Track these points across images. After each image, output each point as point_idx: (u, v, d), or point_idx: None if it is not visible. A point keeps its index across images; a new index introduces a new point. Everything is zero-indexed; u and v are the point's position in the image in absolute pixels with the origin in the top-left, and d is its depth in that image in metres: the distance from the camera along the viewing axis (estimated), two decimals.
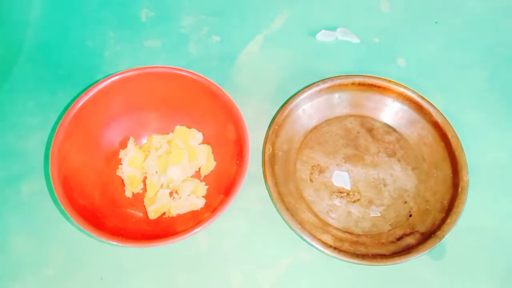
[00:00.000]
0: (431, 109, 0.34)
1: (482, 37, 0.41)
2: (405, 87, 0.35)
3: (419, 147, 0.34)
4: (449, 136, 0.33)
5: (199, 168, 0.34)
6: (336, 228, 0.32)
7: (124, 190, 0.33)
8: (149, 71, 0.31)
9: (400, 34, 0.41)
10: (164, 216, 0.32)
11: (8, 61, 0.39)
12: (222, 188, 0.31)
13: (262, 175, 0.33)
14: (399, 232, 0.32)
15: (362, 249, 0.30)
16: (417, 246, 0.30)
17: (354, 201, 0.33)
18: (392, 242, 0.31)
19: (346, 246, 0.30)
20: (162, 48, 0.40)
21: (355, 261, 0.29)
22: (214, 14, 0.42)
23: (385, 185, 0.33)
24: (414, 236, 0.31)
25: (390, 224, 0.32)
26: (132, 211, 0.32)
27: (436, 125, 0.34)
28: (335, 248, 0.30)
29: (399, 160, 0.34)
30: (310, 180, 0.34)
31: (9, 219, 0.33)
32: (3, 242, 0.32)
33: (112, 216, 0.30)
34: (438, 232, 0.30)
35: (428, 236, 0.30)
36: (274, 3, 0.42)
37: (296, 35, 0.40)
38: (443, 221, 0.31)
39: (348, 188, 0.33)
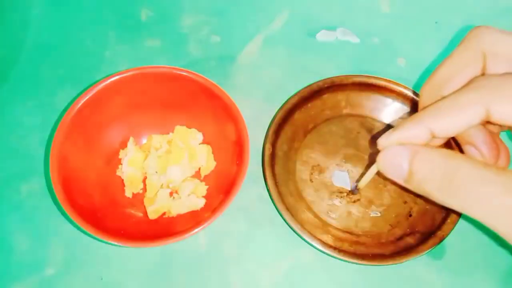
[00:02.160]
0: None
1: None
2: (405, 87, 0.35)
3: None
4: None
5: (199, 168, 0.34)
6: (336, 228, 0.32)
7: (124, 190, 0.33)
8: (149, 71, 0.31)
9: (400, 34, 0.41)
10: (164, 216, 0.32)
11: (8, 61, 0.39)
12: (222, 188, 0.31)
13: (262, 175, 0.33)
14: (399, 232, 0.32)
15: (362, 249, 0.30)
16: (417, 246, 0.30)
17: (354, 201, 0.33)
18: (392, 242, 0.31)
19: (346, 246, 0.30)
20: (162, 48, 0.40)
21: (355, 261, 0.29)
22: (214, 14, 0.42)
23: (385, 185, 0.33)
24: (414, 236, 0.31)
25: (390, 224, 0.32)
26: (132, 211, 0.32)
27: None
28: (335, 248, 0.30)
29: None
30: (310, 180, 0.34)
31: (9, 219, 0.33)
32: (3, 242, 0.32)
33: (112, 216, 0.30)
34: (438, 232, 0.30)
35: (428, 236, 0.30)
36: (274, 3, 0.42)
37: (296, 35, 0.40)
38: (443, 221, 0.31)
39: (348, 188, 0.33)
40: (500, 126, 0.27)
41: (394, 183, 0.26)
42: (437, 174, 0.22)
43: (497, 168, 0.20)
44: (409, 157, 0.23)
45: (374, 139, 0.34)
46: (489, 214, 0.20)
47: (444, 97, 0.23)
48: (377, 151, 0.24)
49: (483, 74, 0.25)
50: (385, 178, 0.25)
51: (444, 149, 0.22)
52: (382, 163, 0.24)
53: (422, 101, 0.27)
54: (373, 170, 0.27)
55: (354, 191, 0.33)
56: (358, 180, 0.33)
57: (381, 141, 0.24)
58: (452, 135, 0.23)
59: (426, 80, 0.26)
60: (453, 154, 0.22)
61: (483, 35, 0.24)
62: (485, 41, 0.24)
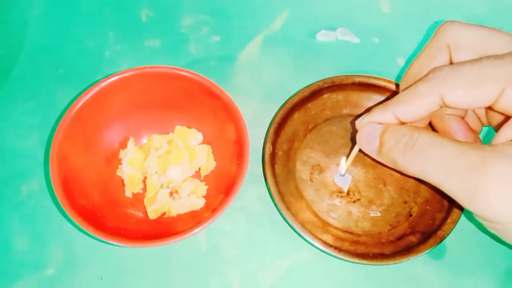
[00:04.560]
0: None
1: None
2: None
3: None
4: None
5: (199, 168, 0.34)
6: (337, 228, 0.32)
7: (124, 190, 0.33)
8: (149, 71, 0.31)
9: (400, 34, 0.41)
10: (164, 216, 0.32)
11: (8, 61, 0.39)
12: (222, 188, 0.31)
13: (262, 175, 0.33)
14: (399, 232, 0.32)
15: (362, 249, 0.30)
16: (417, 246, 0.30)
17: (354, 201, 0.33)
18: (392, 242, 0.31)
19: (346, 245, 0.30)
20: (162, 48, 0.40)
21: (356, 260, 0.29)
22: (214, 14, 0.42)
23: (385, 185, 0.33)
24: (414, 236, 0.31)
25: (390, 224, 0.32)
26: (132, 211, 0.32)
27: None
28: (335, 248, 0.30)
29: None
30: (310, 180, 0.34)
31: (9, 219, 0.33)
32: (3, 242, 0.32)
33: (112, 216, 0.30)
34: (439, 232, 0.30)
35: (428, 236, 0.30)
36: (274, 3, 0.42)
37: (296, 35, 0.41)
38: (443, 221, 0.31)
39: (345, 190, 0.33)
40: (482, 122, 0.29)
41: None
42: (401, 142, 0.25)
43: (454, 139, 0.23)
44: (381, 131, 0.26)
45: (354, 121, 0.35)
46: (442, 175, 0.22)
47: (406, 87, 0.26)
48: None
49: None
50: (365, 154, 0.28)
51: (410, 125, 0.26)
52: (359, 138, 0.28)
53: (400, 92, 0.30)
54: (356, 149, 0.30)
55: (342, 174, 0.33)
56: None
57: (357, 122, 0.28)
58: (416, 120, 0.26)
59: (404, 73, 0.29)
60: (416, 127, 0.25)
61: (447, 28, 0.27)
62: (448, 34, 0.26)
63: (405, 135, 0.25)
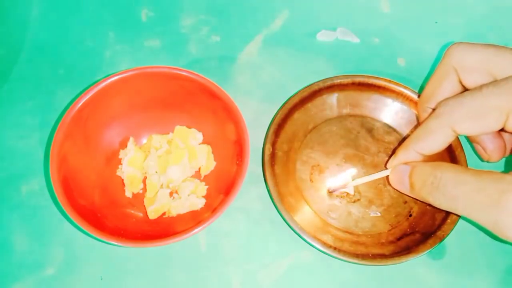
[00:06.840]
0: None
1: (482, 37, 0.41)
2: (405, 87, 0.35)
3: None
4: None
5: (199, 168, 0.34)
6: (336, 228, 0.32)
7: (124, 190, 0.33)
8: (149, 71, 0.31)
9: (400, 34, 0.41)
10: (164, 216, 0.32)
11: (8, 61, 0.39)
12: (222, 188, 0.31)
13: (262, 175, 0.33)
14: (399, 232, 0.32)
15: (362, 249, 0.30)
16: (417, 246, 0.30)
17: (354, 201, 0.33)
18: (392, 242, 0.31)
19: (346, 246, 0.30)
20: (162, 48, 0.40)
21: (355, 261, 0.29)
22: (214, 14, 0.42)
23: (385, 185, 0.33)
24: (414, 236, 0.31)
25: (390, 224, 0.32)
26: (132, 211, 0.32)
27: None
28: (335, 248, 0.30)
29: None
30: (310, 180, 0.34)
31: (9, 219, 0.33)
32: (3, 242, 0.32)
33: (112, 216, 0.30)
34: (438, 232, 0.30)
35: (428, 236, 0.30)
36: (274, 3, 0.42)
37: (296, 35, 0.40)
38: (443, 221, 0.31)
39: (351, 192, 0.33)
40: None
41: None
42: (428, 182, 0.26)
43: (476, 171, 0.25)
44: (408, 173, 0.28)
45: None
46: (469, 211, 0.24)
47: (419, 125, 0.29)
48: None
49: (462, 85, 0.29)
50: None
51: (434, 162, 0.27)
52: (392, 181, 0.30)
53: (419, 114, 0.33)
54: (375, 176, 0.31)
55: (330, 188, 0.33)
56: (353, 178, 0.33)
57: (388, 166, 0.31)
58: (437, 151, 0.28)
59: (420, 96, 0.32)
60: (439, 165, 0.26)
61: (453, 51, 0.28)
62: (454, 57, 0.28)
63: (430, 175, 0.26)
